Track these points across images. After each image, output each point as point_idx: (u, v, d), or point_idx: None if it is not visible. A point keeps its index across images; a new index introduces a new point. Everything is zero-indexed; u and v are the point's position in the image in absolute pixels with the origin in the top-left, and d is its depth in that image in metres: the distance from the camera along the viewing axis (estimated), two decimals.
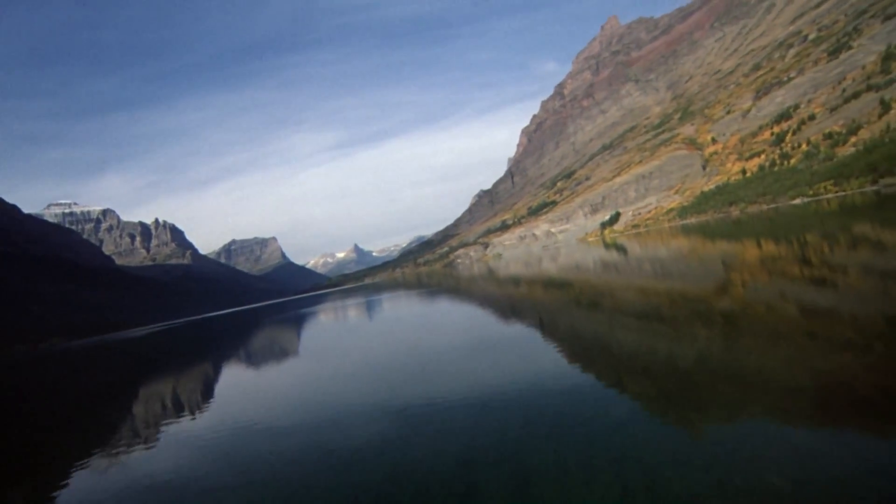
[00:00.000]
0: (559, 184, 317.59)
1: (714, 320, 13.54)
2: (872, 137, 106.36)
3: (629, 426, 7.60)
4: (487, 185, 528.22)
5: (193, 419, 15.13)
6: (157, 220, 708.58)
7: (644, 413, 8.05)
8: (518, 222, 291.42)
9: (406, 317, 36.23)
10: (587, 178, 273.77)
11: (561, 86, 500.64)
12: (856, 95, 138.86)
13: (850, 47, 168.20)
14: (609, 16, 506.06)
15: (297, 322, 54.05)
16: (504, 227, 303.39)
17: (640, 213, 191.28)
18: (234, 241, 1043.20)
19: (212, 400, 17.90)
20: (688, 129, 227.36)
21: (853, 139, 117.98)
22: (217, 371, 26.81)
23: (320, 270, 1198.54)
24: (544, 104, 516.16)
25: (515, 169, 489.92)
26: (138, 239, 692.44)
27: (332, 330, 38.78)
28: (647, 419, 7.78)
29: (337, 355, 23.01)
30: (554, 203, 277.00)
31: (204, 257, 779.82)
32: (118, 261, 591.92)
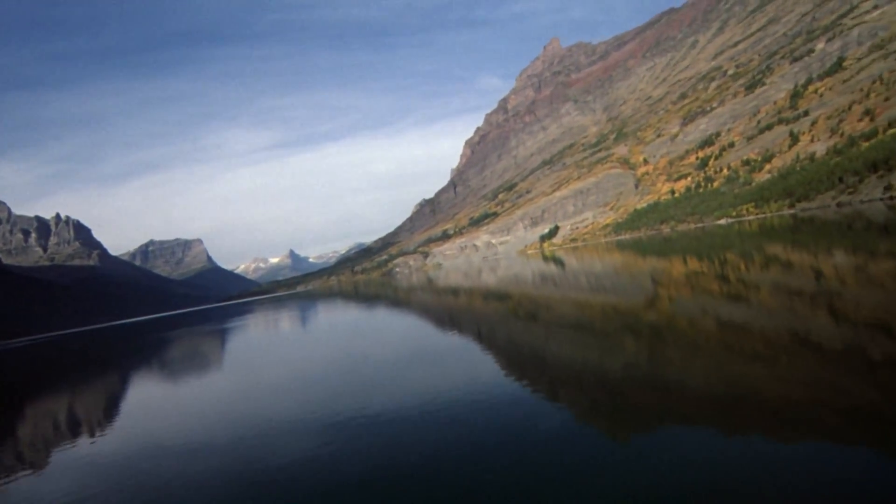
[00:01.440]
0: (501, 196, 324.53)
1: (641, 333, 14.23)
2: (785, 165, 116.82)
3: (561, 434, 7.81)
4: (430, 195, 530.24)
5: (92, 442, 12.88)
6: (58, 216, 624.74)
7: (575, 421, 8.36)
8: (459, 233, 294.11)
9: (336, 327, 34.60)
10: (528, 192, 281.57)
11: (505, 100, 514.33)
12: (769, 127, 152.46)
13: (763, 84, 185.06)
14: (551, 38, 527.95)
15: (204, 337, 50.48)
16: (445, 237, 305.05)
17: (577, 228, 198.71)
18: (151, 242, 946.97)
19: (114, 420, 15.53)
20: (622, 150, 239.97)
21: (768, 166, 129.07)
22: (116, 390, 23.89)
23: (251, 276, 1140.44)
24: (488, 117, 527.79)
25: (458, 179, 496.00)
26: (34, 236, 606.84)
27: (249, 345, 36.30)
28: (577, 427, 8.08)
29: (257, 370, 21.13)
30: (495, 214, 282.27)
31: (115, 259, 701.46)
32: (6, 260, 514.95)
